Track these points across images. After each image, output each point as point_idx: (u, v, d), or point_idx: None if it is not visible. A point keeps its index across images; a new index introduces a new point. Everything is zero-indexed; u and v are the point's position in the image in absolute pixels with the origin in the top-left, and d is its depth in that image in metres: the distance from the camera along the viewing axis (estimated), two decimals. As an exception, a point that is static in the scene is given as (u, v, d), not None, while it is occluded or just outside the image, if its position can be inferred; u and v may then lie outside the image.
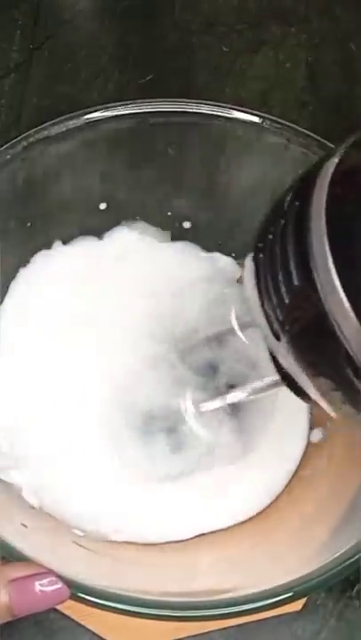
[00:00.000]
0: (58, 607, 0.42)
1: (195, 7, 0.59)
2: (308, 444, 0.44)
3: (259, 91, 0.55)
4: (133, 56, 0.57)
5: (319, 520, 0.40)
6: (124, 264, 0.46)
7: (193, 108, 0.43)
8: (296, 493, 0.43)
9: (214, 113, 0.43)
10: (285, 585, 0.35)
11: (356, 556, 0.34)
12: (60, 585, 0.32)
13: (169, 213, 0.47)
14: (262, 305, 0.27)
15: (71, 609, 0.42)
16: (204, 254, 0.47)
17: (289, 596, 0.34)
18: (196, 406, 0.41)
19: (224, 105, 0.43)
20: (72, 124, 0.42)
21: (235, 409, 0.42)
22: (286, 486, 0.44)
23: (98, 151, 0.43)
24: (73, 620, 0.43)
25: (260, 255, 0.27)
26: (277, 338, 0.27)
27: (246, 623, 0.42)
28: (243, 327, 0.40)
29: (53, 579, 0.32)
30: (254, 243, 0.29)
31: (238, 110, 0.43)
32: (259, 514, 0.43)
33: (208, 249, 0.47)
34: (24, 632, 0.43)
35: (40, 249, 0.46)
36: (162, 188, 0.46)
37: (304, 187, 0.26)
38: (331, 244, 0.24)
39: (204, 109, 0.43)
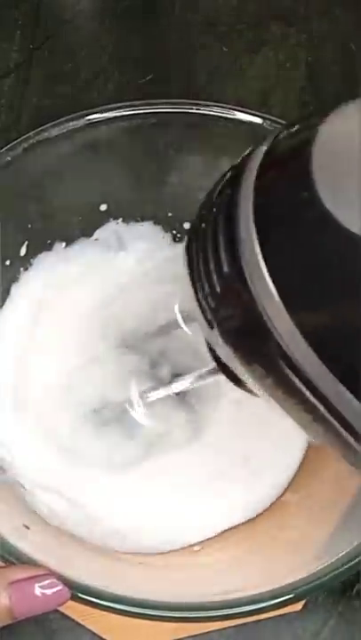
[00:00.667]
0: (58, 607, 0.42)
1: (195, 7, 0.59)
2: (308, 447, 0.44)
3: (259, 91, 0.55)
4: (133, 56, 0.57)
5: (320, 522, 0.41)
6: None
7: (193, 109, 0.43)
8: (296, 496, 0.44)
9: (215, 114, 0.43)
10: (287, 586, 0.35)
11: (358, 559, 0.34)
12: (60, 587, 0.32)
13: (170, 214, 0.47)
14: (195, 293, 0.28)
15: (71, 609, 0.42)
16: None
17: (290, 598, 0.35)
18: (143, 396, 0.41)
19: (225, 105, 0.43)
20: (72, 125, 0.42)
21: (184, 396, 0.43)
22: (286, 489, 0.44)
23: (98, 152, 0.43)
24: (73, 620, 0.43)
25: (193, 244, 0.28)
26: (211, 326, 0.27)
27: (246, 623, 0.42)
28: (187, 319, 0.41)
29: (54, 581, 0.32)
30: (188, 231, 0.29)
31: (239, 111, 0.43)
32: (259, 515, 0.44)
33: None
34: (24, 631, 0.43)
35: (41, 251, 0.46)
36: (162, 189, 0.46)
37: (234, 174, 0.26)
38: (258, 229, 0.24)
39: (205, 110, 0.43)
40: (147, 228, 0.47)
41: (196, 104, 0.43)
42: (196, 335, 0.40)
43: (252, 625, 0.42)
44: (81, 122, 0.42)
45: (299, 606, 0.43)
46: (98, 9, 0.58)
